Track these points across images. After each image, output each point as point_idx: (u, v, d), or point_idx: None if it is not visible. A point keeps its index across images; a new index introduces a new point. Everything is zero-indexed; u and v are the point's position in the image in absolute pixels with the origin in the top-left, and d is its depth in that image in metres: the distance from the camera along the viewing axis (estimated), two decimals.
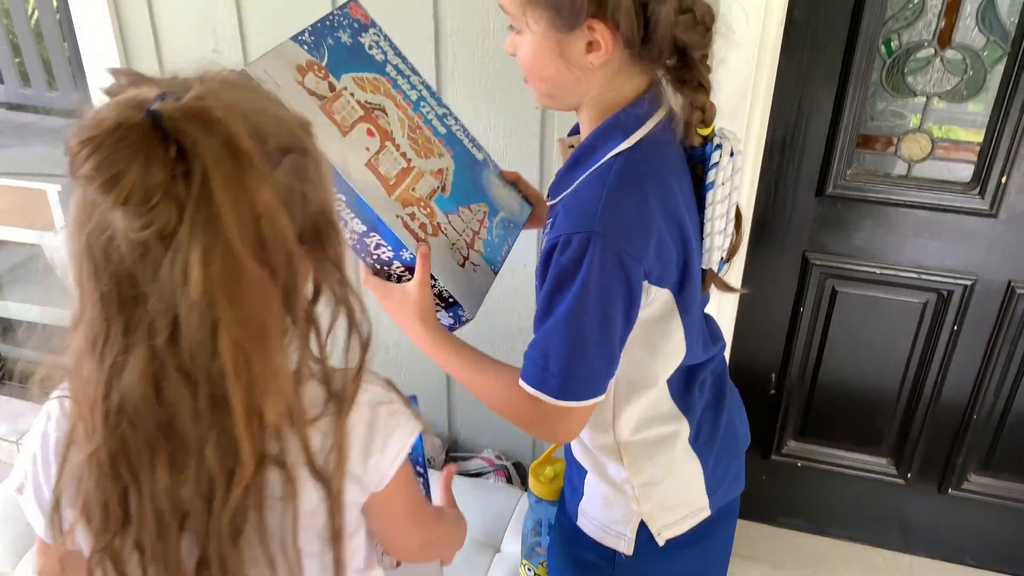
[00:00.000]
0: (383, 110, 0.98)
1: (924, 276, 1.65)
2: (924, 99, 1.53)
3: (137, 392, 0.60)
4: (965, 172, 1.57)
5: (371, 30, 1.02)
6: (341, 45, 0.97)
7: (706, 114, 0.87)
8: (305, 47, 0.91)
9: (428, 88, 1.10)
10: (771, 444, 1.94)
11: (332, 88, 0.92)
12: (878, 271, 1.67)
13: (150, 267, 0.57)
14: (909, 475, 1.88)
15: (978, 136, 1.54)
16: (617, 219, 0.81)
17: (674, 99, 0.91)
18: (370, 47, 1.00)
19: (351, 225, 0.92)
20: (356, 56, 0.99)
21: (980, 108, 1.52)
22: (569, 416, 0.88)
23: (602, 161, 0.85)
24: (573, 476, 1.09)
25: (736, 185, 0.91)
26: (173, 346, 0.58)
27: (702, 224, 0.92)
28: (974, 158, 1.55)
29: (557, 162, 1.55)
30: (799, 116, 1.57)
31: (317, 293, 0.67)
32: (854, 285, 1.71)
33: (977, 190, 1.56)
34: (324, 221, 0.66)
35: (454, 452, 1.99)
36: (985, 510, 1.88)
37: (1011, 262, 1.60)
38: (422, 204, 0.98)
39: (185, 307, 0.56)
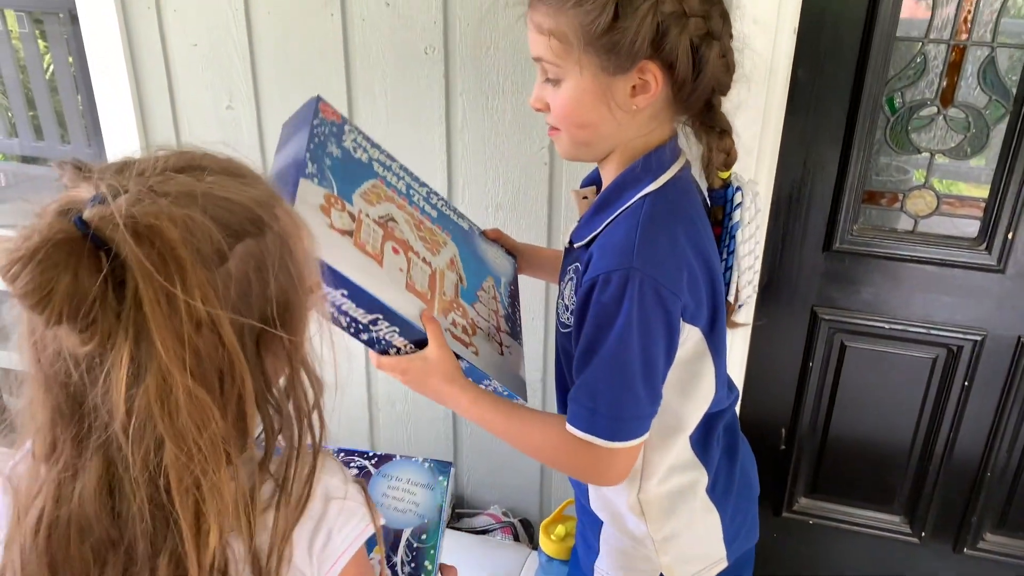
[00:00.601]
0: (393, 219, 0.97)
1: (933, 331, 1.65)
2: (928, 156, 1.54)
3: (88, 504, 0.58)
4: (971, 228, 1.58)
5: (346, 128, 0.99)
6: (336, 161, 0.93)
7: (730, 156, 0.90)
8: (315, 180, 0.87)
9: (405, 169, 1.08)
10: (782, 501, 1.91)
11: (353, 218, 0.90)
12: (887, 326, 1.67)
13: (97, 380, 0.55)
14: (923, 534, 1.85)
15: (983, 192, 1.55)
16: (653, 255, 0.82)
17: (694, 146, 0.94)
18: (355, 150, 0.98)
19: (351, 313, 0.88)
20: (351, 168, 0.96)
21: (982, 163, 1.54)
22: (620, 457, 0.87)
23: (632, 201, 0.87)
24: (587, 532, 1.07)
25: (759, 224, 0.93)
26: (124, 460, 0.56)
27: (723, 264, 0.94)
28: (980, 214, 1.56)
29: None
30: (805, 173, 1.58)
31: (268, 386, 0.65)
32: (863, 340, 1.71)
33: (984, 246, 1.56)
34: (287, 306, 0.63)
35: (460, 508, 1.96)
36: (1002, 570, 1.84)
37: (1021, 318, 1.60)
38: (456, 306, 1.00)
39: (128, 424, 0.55)
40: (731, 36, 0.86)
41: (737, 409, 1.32)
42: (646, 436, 0.87)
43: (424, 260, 0.98)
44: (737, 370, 1.69)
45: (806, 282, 1.68)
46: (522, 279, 1.23)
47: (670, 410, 0.92)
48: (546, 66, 0.86)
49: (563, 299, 0.94)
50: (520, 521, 1.88)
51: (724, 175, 0.91)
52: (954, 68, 1.46)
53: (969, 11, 1.42)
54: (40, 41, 3.56)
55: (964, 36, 1.43)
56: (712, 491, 0.99)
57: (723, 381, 0.96)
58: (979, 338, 1.63)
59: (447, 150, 1.61)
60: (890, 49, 1.46)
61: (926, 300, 1.64)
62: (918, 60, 1.47)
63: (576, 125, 0.88)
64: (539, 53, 0.86)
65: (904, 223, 1.61)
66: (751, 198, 0.91)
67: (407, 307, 0.90)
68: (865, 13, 1.44)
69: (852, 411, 1.78)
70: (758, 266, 0.96)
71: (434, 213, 1.08)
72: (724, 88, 0.88)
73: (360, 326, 0.89)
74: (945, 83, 1.47)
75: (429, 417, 1.88)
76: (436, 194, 1.12)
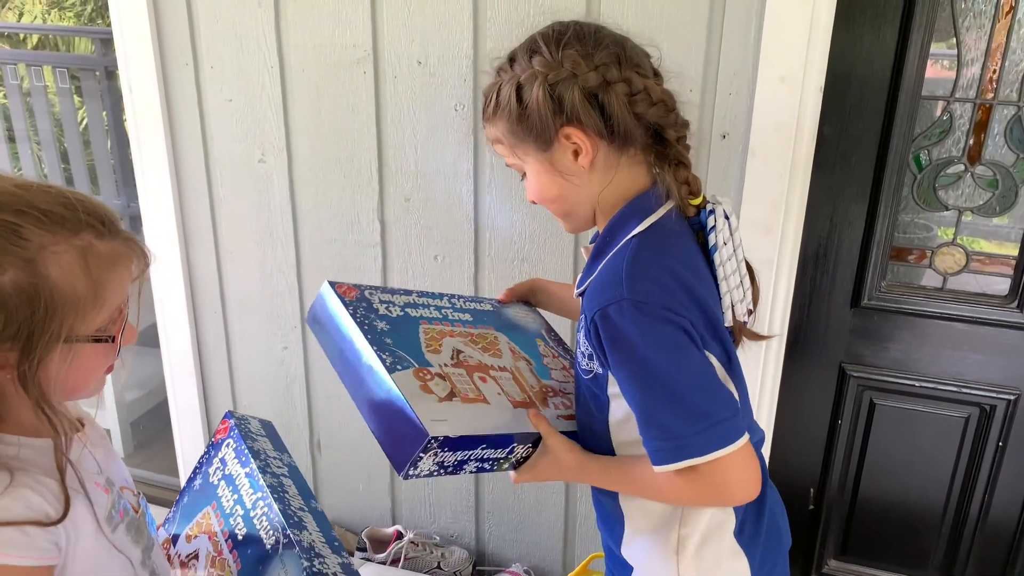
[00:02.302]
0: (458, 350, 1.03)
1: (965, 390, 1.62)
2: (956, 213, 1.54)
3: None
4: (1002, 285, 1.57)
5: (367, 293, 1.05)
6: (393, 335, 0.98)
7: (691, 186, 0.93)
8: (400, 367, 0.92)
9: (424, 294, 1.14)
10: (811, 562, 1.86)
11: (443, 377, 0.95)
12: (917, 384, 1.65)
13: None
14: None
15: (1010, 249, 1.54)
16: (643, 283, 0.84)
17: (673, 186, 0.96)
18: (390, 311, 1.03)
19: (491, 456, 0.95)
20: (403, 331, 1.01)
21: (1007, 221, 1.53)
22: (730, 465, 0.84)
23: (619, 245, 0.91)
24: None
25: (738, 243, 0.95)
26: None
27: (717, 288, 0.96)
28: (1010, 271, 1.55)
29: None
30: (832, 229, 1.59)
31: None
32: (893, 398, 1.68)
33: (1015, 304, 1.55)
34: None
35: (481, 566, 1.93)
36: None
37: None
38: (547, 390, 1.06)
39: None
40: (646, 74, 0.90)
41: (766, 458, 1.30)
42: (745, 436, 0.84)
43: (501, 368, 1.04)
44: (764, 426, 1.66)
45: (834, 339, 1.67)
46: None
47: None
48: (512, 166, 0.98)
49: (580, 347, 0.96)
50: None
51: (695, 202, 0.94)
52: (981, 127, 1.47)
53: (994, 71, 1.43)
54: (76, 96, 3.67)
55: (990, 95, 1.45)
56: (740, 534, 0.97)
57: (747, 409, 0.96)
58: (1013, 397, 1.60)
59: (475, 204, 1.63)
60: (916, 107, 1.47)
61: (956, 358, 1.61)
62: (944, 118, 1.48)
63: (549, 202, 0.96)
64: (505, 159, 0.97)
65: (933, 280, 1.60)
66: (723, 220, 0.94)
67: (523, 421, 0.97)
68: (890, 72, 1.46)
69: (883, 471, 1.74)
70: (747, 283, 0.98)
71: (468, 317, 1.13)
72: (665, 122, 0.91)
73: (493, 461, 0.95)
74: (972, 141, 1.48)
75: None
76: (453, 296, 1.18)
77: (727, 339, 0.93)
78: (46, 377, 0.70)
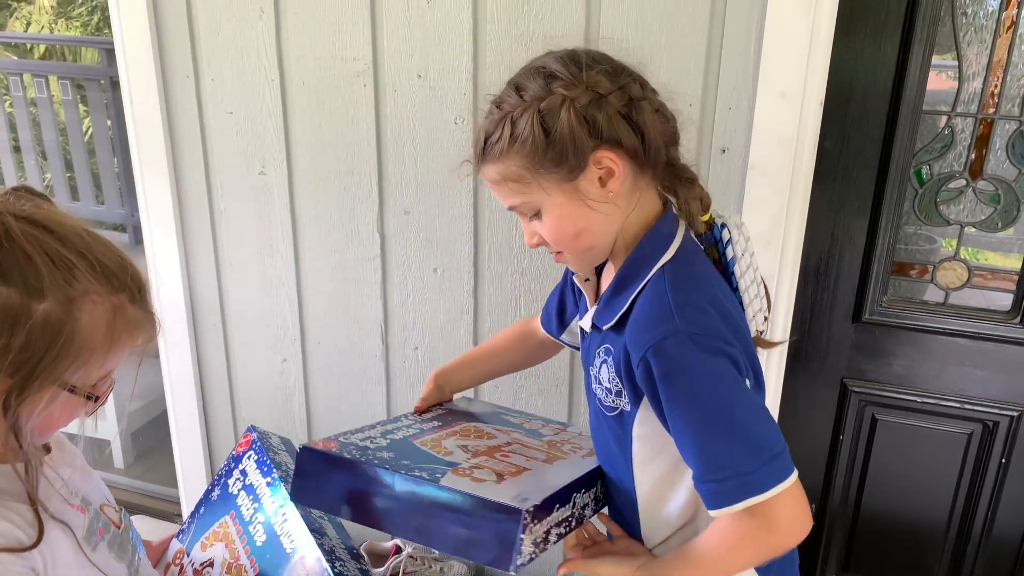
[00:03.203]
0: (463, 445, 1.01)
1: (968, 405, 1.61)
2: (958, 228, 1.53)
3: None
4: (1004, 300, 1.56)
5: (342, 439, 0.98)
6: (404, 456, 0.94)
7: (704, 202, 0.92)
8: (441, 473, 0.88)
9: (390, 421, 1.10)
10: None
11: (478, 467, 0.92)
12: (919, 399, 1.64)
13: None
14: None
15: (1013, 262, 1.53)
16: (694, 312, 0.82)
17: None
18: (377, 442, 0.99)
19: (589, 506, 0.96)
20: (406, 449, 0.96)
21: (1011, 233, 1.52)
22: (788, 501, 0.81)
23: (651, 274, 0.87)
24: None
25: (752, 253, 0.95)
26: None
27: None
28: (1013, 287, 1.54)
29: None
30: (832, 244, 1.58)
31: None
32: (895, 413, 1.67)
33: (1018, 319, 1.54)
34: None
35: None
36: None
37: None
38: (554, 444, 1.08)
39: None
40: (654, 91, 0.89)
41: None
42: (795, 472, 0.82)
43: (507, 444, 1.05)
44: None
45: (835, 354, 1.66)
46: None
47: None
48: (521, 208, 0.90)
49: (601, 383, 0.92)
50: None
51: (705, 217, 0.93)
52: (982, 141, 1.46)
53: (996, 86, 1.42)
54: (81, 106, 3.69)
55: (992, 110, 1.44)
56: None
57: None
58: (1016, 413, 1.59)
59: (474, 218, 1.62)
60: (917, 122, 1.47)
61: (959, 374, 1.60)
62: (945, 133, 1.48)
63: (572, 238, 0.90)
64: (509, 201, 0.90)
65: (935, 295, 1.59)
66: (737, 231, 0.93)
67: (569, 470, 0.97)
68: (891, 86, 1.45)
69: (885, 487, 1.73)
70: (763, 292, 0.97)
71: (437, 423, 1.11)
72: (674, 138, 0.90)
73: (564, 522, 0.91)
74: (973, 156, 1.47)
75: None
76: (404, 416, 1.13)
77: (757, 360, 0.91)
78: (27, 414, 0.70)
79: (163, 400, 2.08)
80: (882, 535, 1.77)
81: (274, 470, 1.07)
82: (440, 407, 1.19)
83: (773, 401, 1.59)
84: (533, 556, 0.84)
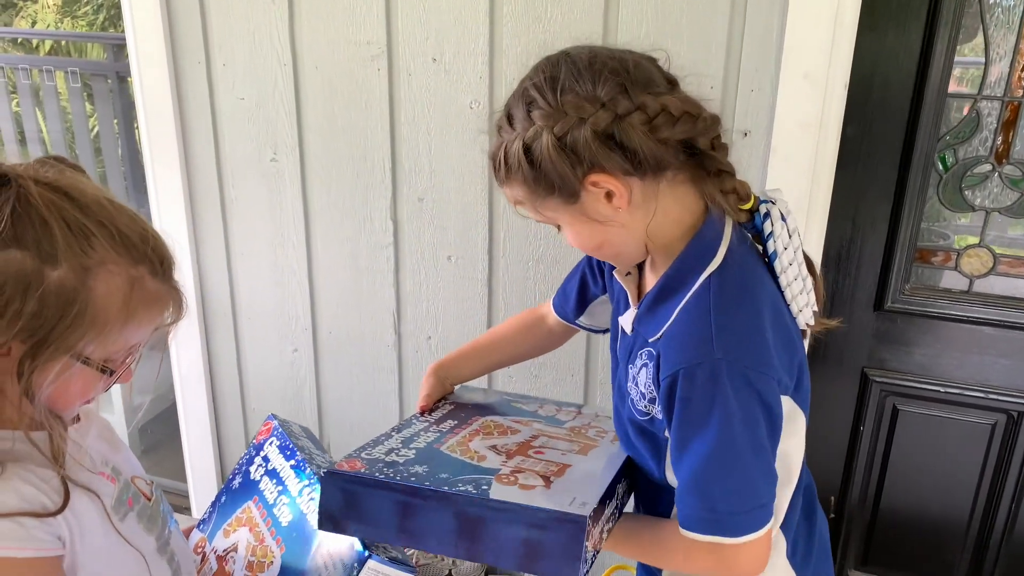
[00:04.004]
0: (492, 446, 0.97)
1: (992, 395, 1.58)
2: (983, 214, 1.51)
3: None
4: None
5: (364, 455, 0.92)
6: (439, 468, 0.88)
7: (739, 192, 0.85)
8: (486, 484, 0.83)
9: (404, 425, 1.04)
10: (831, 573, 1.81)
11: (519, 471, 0.88)
12: (941, 389, 1.61)
13: None
14: None
15: None
16: (735, 340, 0.78)
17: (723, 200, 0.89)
18: (403, 454, 0.93)
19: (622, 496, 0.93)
20: (436, 459, 0.91)
21: None
22: (749, 549, 0.82)
23: (696, 286, 0.83)
24: None
25: (797, 245, 0.88)
26: None
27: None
28: None
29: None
30: (855, 231, 1.55)
31: None
32: (916, 404, 1.64)
33: None
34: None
35: (493, 574, 1.89)
36: None
37: None
38: (578, 431, 1.04)
39: None
40: (658, 93, 0.80)
41: None
42: (772, 520, 0.82)
43: (534, 437, 1.01)
44: None
45: (856, 343, 1.63)
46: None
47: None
48: (544, 222, 0.89)
49: (638, 385, 0.89)
50: None
51: (746, 207, 0.86)
52: (1009, 125, 1.44)
53: (1023, 68, 1.40)
54: (87, 104, 3.67)
55: (1019, 92, 1.41)
56: (792, 556, 0.93)
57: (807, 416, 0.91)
58: None
59: (489, 204, 1.60)
60: (942, 106, 1.44)
61: (983, 363, 1.57)
62: (971, 117, 1.45)
63: (595, 250, 0.89)
64: (532, 217, 0.89)
65: (958, 283, 1.56)
66: (780, 223, 0.87)
67: (609, 459, 0.94)
68: (916, 70, 1.43)
69: (905, 479, 1.70)
70: (809, 285, 0.90)
71: (453, 422, 1.06)
72: (694, 132, 0.81)
73: (610, 517, 0.89)
74: (1000, 140, 1.45)
75: None
76: (416, 418, 1.08)
77: (803, 361, 0.88)
78: (38, 382, 0.70)
79: (170, 394, 2.06)
80: (902, 529, 1.75)
81: (298, 453, 1.05)
82: (445, 402, 1.14)
83: None
84: (593, 559, 0.80)
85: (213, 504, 1.11)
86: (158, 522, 0.88)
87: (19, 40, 5.13)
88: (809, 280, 0.90)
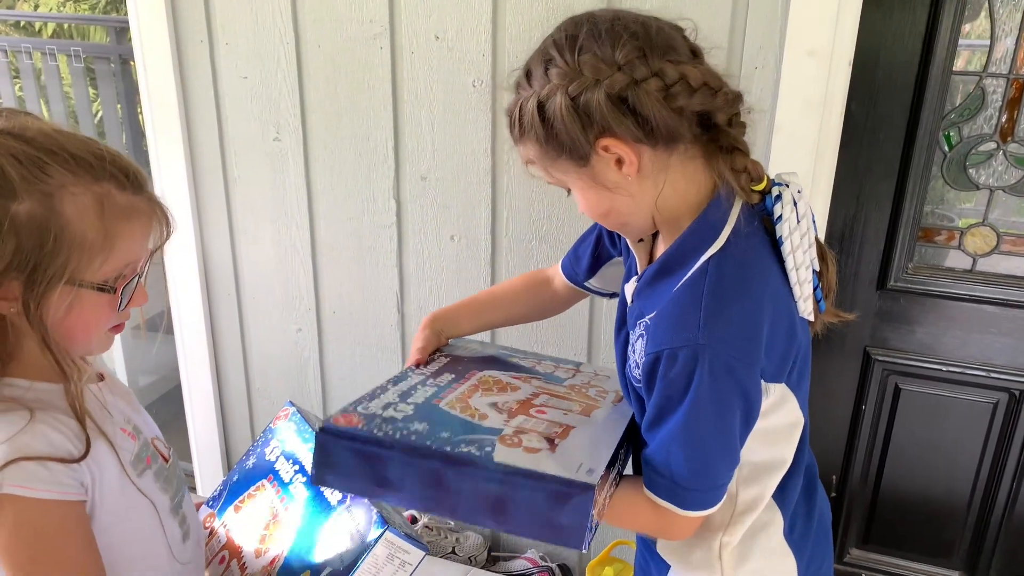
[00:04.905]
0: (493, 403, 0.94)
1: (993, 374, 1.58)
2: (988, 192, 1.50)
3: None
4: None
5: (360, 409, 0.89)
6: (439, 425, 0.85)
7: (751, 173, 0.84)
8: (490, 446, 0.81)
9: (400, 378, 1.01)
10: (833, 552, 1.82)
11: (522, 431, 0.86)
12: (944, 368, 1.61)
13: None
14: None
15: None
16: (722, 328, 0.78)
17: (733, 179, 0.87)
18: (401, 409, 0.89)
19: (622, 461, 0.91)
20: (435, 415, 0.88)
21: None
22: (692, 522, 0.85)
23: (695, 268, 0.83)
24: (652, 573, 1.02)
25: (805, 230, 0.86)
26: None
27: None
28: None
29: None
30: (858, 209, 1.55)
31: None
32: (918, 383, 1.64)
33: None
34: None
35: (496, 551, 1.90)
36: None
37: None
38: (578, 389, 1.03)
39: None
40: (678, 61, 0.79)
41: None
42: (717, 506, 0.85)
43: (535, 395, 0.98)
44: None
45: (859, 322, 1.63)
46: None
47: (765, 452, 0.89)
48: (555, 185, 0.89)
49: (635, 353, 0.89)
50: (559, 566, 1.82)
51: (759, 188, 0.84)
52: (1014, 103, 1.43)
53: None
54: (90, 89, 3.67)
55: None
56: (790, 535, 0.94)
57: (805, 402, 0.91)
58: None
59: (492, 182, 1.60)
60: (947, 83, 1.44)
61: (985, 342, 1.58)
62: (976, 94, 1.44)
63: (601, 217, 0.89)
64: (544, 179, 0.88)
65: (962, 261, 1.56)
66: (790, 207, 0.84)
67: (614, 421, 0.94)
68: (921, 47, 1.42)
69: (907, 457, 1.71)
70: (816, 266, 0.88)
71: (451, 376, 1.03)
72: (713, 106, 0.80)
73: (612, 482, 0.87)
74: (1005, 118, 1.44)
75: None
76: (410, 371, 1.05)
77: (805, 351, 0.88)
78: (49, 317, 0.72)
79: (174, 376, 2.07)
80: (903, 507, 1.75)
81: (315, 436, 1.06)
82: (440, 354, 1.10)
83: None
84: (597, 527, 0.80)
85: (224, 483, 1.12)
86: (173, 483, 0.90)
87: (22, 24, 5.12)
88: (810, 272, 0.87)
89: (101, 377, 0.88)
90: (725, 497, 0.87)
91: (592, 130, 0.79)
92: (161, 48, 1.71)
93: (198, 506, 1.11)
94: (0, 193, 0.68)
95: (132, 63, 1.74)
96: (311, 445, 1.02)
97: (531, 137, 0.83)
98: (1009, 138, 1.45)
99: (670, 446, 0.81)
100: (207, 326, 1.94)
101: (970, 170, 1.49)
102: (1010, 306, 1.53)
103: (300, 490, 1.00)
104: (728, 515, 0.91)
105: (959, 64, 1.43)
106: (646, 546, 1.03)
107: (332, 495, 0.95)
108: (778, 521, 0.93)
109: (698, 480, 0.82)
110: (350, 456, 0.82)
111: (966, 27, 1.42)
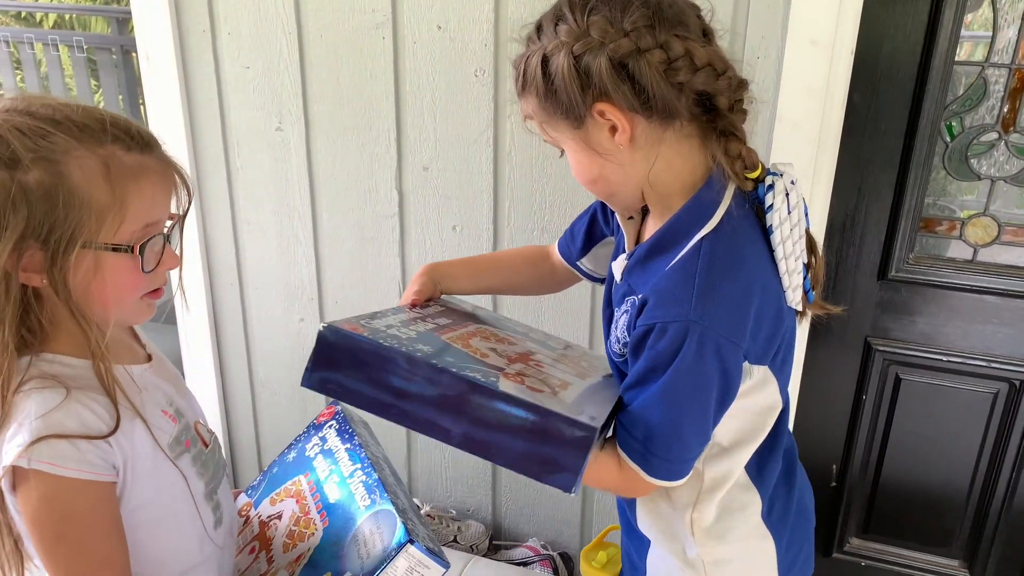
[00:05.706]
0: (493, 348, 0.93)
1: (994, 364, 1.59)
2: (989, 183, 1.50)
3: None
4: None
5: (363, 323, 0.86)
6: (443, 351, 0.83)
7: (746, 160, 0.84)
8: (495, 377, 0.79)
9: (396, 310, 0.98)
10: (832, 541, 1.83)
11: (523, 375, 0.84)
12: (944, 358, 1.61)
13: None
14: None
15: None
16: (714, 306, 0.79)
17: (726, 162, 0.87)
18: (404, 331, 0.86)
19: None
20: (439, 344, 0.85)
21: None
22: (647, 487, 0.88)
23: (688, 247, 0.83)
24: (633, 554, 1.04)
25: (796, 221, 0.86)
26: None
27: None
28: None
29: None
30: (859, 199, 1.55)
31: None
32: (919, 373, 1.65)
33: None
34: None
35: (498, 540, 1.91)
36: None
37: None
38: (569, 358, 1.03)
39: None
40: (685, 37, 0.79)
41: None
42: (681, 480, 0.87)
43: (532, 352, 0.99)
44: None
45: (860, 312, 1.63)
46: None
47: (742, 428, 0.90)
48: (551, 143, 0.90)
49: (616, 328, 0.91)
50: (560, 554, 1.83)
51: (753, 175, 0.85)
52: (1016, 93, 1.43)
53: None
54: (92, 80, 3.67)
55: None
56: (768, 517, 0.95)
57: (786, 385, 0.92)
58: None
59: (494, 173, 1.60)
60: (949, 73, 1.43)
61: (986, 332, 1.58)
62: (978, 84, 1.44)
63: (590, 183, 0.89)
64: (542, 136, 0.89)
65: (963, 252, 1.57)
66: (781, 197, 0.85)
67: (609, 386, 0.93)
68: (924, 37, 1.42)
69: (907, 447, 1.71)
70: (805, 257, 0.88)
71: (447, 319, 1.01)
72: (715, 88, 0.80)
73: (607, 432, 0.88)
74: (1007, 108, 1.44)
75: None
76: (399, 310, 1.01)
77: (790, 337, 0.89)
78: (73, 284, 0.74)
79: (177, 365, 2.08)
80: (903, 497, 1.76)
81: (356, 438, 1.06)
82: (435, 303, 1.06)
83: (796, 360, 1.57)
84: (579, 482, 0.78)
85: (264, 473, 1.13)
86: (210, 468, 0.91)
87: (23, 14, 5.11)
88: (800, 263, 0.87)
89: (149, 358, 0.89)
90: (692, 474, 0.88)
91: (590, 92, 0.80)
92: (163, 38, 1.71)
93: (238, 494, 1.12)
94: (7, 165, 0.71)
95: (134, 54, 1.74)
96: (350, 445, 1.03)
97: (532, 92, 0.84)
98: (1011, 128, 1.45)
99: (647, 411, 0.83)
100: (210, 316, 1.94)
101: (972, 160, 1.49)
102: (1011, 296, 1.54)
103: (334, 490, 1.00)
104: (695, 492, 0.93)
105: (961, 54, 1.43)
106: (628, 524, 1.05)
107: (362, 500, 0.94)
108: (756, 503, 0.94)
109: (668, 450, 0.84)
110: (350, 358, 0.77)
111: (968, 17, 1.42)
